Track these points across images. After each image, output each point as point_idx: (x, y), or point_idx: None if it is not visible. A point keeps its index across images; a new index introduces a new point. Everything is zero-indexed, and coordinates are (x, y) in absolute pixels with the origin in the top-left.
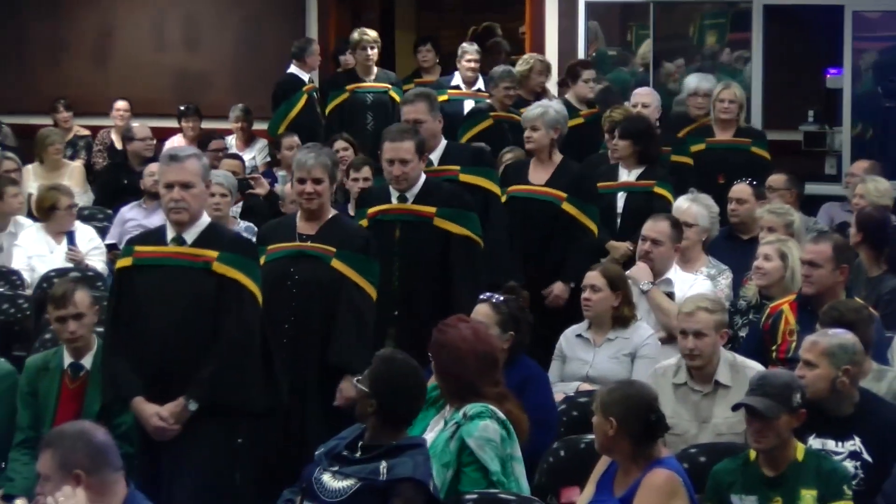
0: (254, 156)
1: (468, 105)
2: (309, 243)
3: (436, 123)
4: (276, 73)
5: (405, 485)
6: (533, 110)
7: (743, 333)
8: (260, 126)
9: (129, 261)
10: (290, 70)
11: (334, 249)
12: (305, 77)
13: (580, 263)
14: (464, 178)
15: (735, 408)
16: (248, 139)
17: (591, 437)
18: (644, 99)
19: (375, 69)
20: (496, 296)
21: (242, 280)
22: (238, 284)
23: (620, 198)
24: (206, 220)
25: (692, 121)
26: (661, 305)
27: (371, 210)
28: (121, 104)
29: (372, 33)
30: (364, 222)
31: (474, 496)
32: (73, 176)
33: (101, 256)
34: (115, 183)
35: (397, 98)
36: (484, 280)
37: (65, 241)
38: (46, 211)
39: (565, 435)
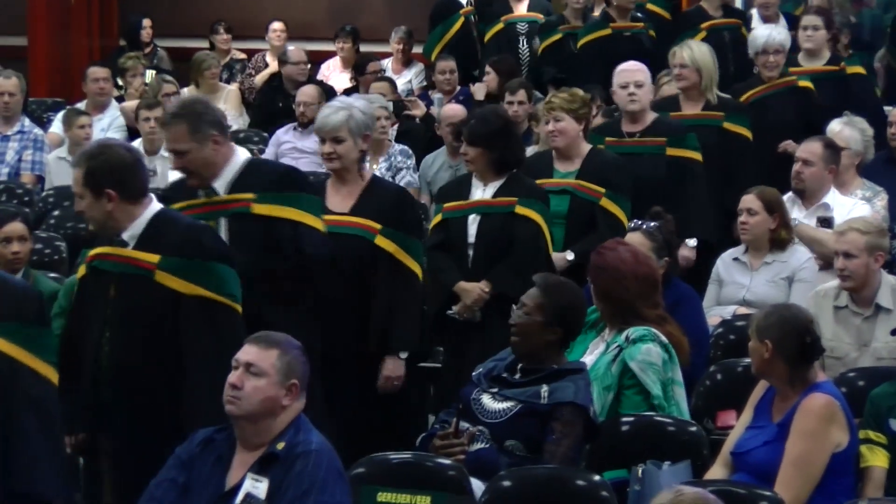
0: (410, 79)
1: None
2: None
3: (207, 148)
4: None
5: (566, 409)
6: (333, 115)
7: None
8: (417, 49)
9: None
10: None
11: None
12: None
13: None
14: (258, 209)
15: (894, 332)
16: (407, 62)
17: (748, 361)
18: (636, 76)
19: None
20: (648, 223)
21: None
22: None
23: (472, 222)
24: None
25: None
26: (812, 237)
27: (91, 253)
28: (277, 25)
29: None
30: (81, 270)
31: (631, 419)
32: (228, 99)
33: None
34: (271, 106)
35: None
36: (222, 354)
37: None
38: None
39: (722, 359)
